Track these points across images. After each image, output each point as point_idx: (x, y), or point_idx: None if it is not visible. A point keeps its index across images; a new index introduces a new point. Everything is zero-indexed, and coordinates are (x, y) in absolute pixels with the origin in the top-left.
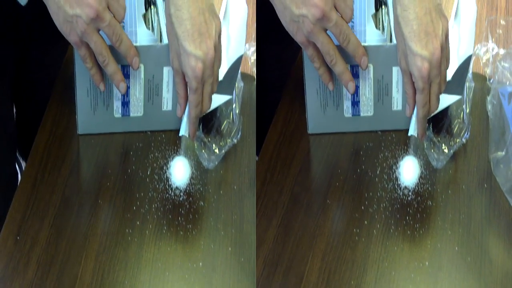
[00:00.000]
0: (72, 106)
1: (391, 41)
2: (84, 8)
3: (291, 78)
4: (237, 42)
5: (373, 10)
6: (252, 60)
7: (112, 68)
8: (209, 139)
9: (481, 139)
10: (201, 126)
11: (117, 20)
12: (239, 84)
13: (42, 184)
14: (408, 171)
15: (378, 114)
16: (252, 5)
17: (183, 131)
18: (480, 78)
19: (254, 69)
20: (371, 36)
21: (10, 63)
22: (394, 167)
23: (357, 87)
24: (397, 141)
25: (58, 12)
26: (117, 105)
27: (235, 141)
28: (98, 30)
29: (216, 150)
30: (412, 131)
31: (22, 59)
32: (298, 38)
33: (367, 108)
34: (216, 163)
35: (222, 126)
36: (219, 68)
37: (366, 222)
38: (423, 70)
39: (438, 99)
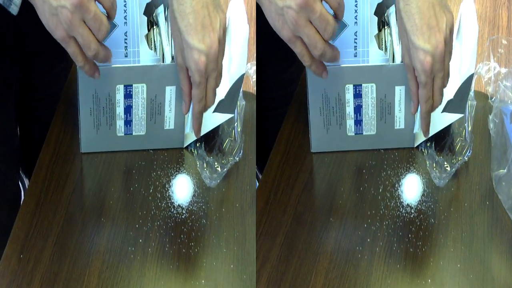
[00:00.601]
0: (75, 125)
1: (393, 61)
2: None
3: (295, 98)
4: (239, 61)
5: (376, 31)
6: (254, 79)
7: (102, 54)
8: (211, 157)
9: (483, 157)
10: (203, 145)
11: (106, 10)
12: (241, 102)
13: (45, 203)
14: (411, 189)
15: (380, 133)
16: (253, 25)
17: (188, 128)
18: (482, 97)
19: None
20: (374, 56)
21: (14, 82)
22: (396, 185)
23: (360, 106)
24: (399, 160)
25: (44, 6)
26: (119, 124)
27: (237, 159)
28: (85, 22)
29: (218, 168)
30: (417, 128)
31: (26, 78)
32: (284, 33)
33: (369, 127)
34: (218, 181)
35: (224, 144)
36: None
37: (368, 240)
38: (426, 64)
39: (441, 94)
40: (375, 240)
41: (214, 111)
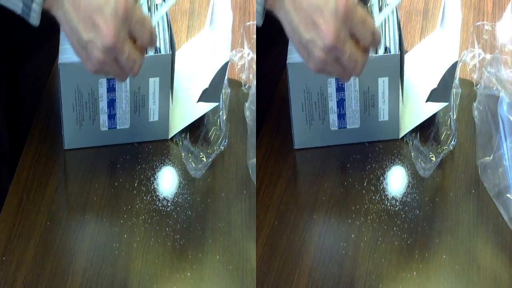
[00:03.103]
0: (58, 122)
1: (376, 52)
2: (100, 33)
3: (277, 93)
4: (223, 49)
5: None
6: (239, 66)
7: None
8: (196, 148)
9: (468, 145)
10: (188, 135)
11: (143, 46)
12: (226, 90)
13: (28, 203)
14: (395, 181)
15: (364, 126)
16: (238, 12)
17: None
18: (467, 84)
19: (241, 75)
20: None
21: (3, 81)
22: (381, 178)
23: (343, 100)
24: (384, 152)
25: (72, 34)
26: (103, 118)
27: (222, 148)
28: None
29: (203, 159)
30: None
31: (13, 77)
32: (310, 66)
33: (353, 120)
34: (203, 171)
35: (210, 133)
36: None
37: (353, 235)
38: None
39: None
40: (360, 236)
41: (198, 101)
